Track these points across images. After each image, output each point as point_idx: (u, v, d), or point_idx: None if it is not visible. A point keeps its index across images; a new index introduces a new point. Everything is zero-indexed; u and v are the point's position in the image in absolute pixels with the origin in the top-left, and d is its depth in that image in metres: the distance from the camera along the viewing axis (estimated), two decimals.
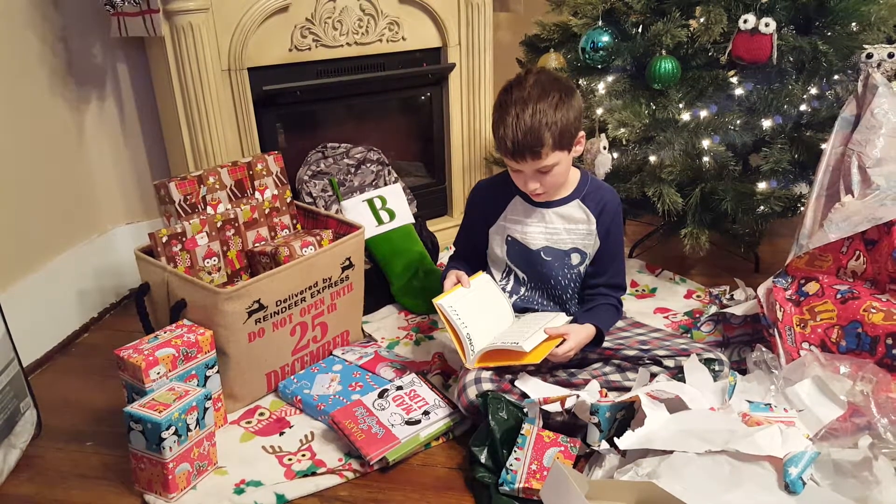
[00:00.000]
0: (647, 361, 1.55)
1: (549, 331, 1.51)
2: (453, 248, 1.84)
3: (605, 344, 1.58)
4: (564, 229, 1.62)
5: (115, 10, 1.79)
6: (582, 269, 1.65)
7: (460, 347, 1.52)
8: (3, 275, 1.66)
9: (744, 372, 1.55)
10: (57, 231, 1.95)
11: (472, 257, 1.74)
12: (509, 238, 1.66)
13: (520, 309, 1.69)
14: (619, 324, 1.70)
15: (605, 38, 1.98)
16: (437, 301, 1.56)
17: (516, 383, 1.49)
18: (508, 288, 1.71)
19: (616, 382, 1.55)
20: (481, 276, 1.67)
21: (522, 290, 1.70)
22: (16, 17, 1.78)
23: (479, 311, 1.56)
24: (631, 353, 1.56)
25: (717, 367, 1.49)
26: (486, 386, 1.44)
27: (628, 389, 1.51)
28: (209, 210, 1.67)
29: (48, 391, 1.64)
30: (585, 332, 1.53)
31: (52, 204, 1.92)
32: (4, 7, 1.75)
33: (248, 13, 1.87)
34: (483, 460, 1.34)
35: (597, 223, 1.61)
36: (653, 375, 1.51)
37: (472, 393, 1.43)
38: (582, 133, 1.53)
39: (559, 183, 1.56)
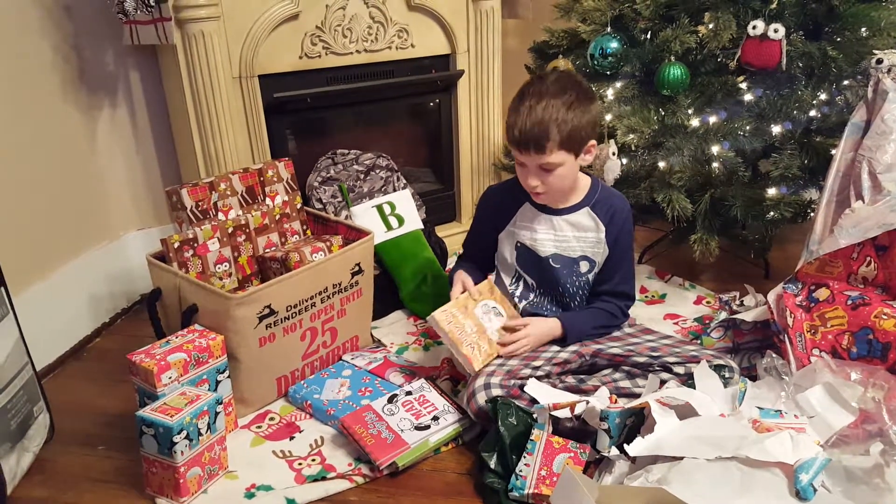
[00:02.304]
0: (657, 368, 1.54)
1: (508, 324, 1.59)
2: (462, 251, 1.85)
3: (615, 350, 1.58)
4: (574, 237, 1.63)
5: (128, 17, 1.81)
6: (591, 276, 1.66)
7: (465, 356, 1.53)
8: (16, 280, 1.67)
9: (754, 378, 1.55)
10: (69, 237, 1.96)
11: (480, 260, 1.75)
12: (518, 244, 1.66)
13: (529, 314, 1.69)
14: (629, 330, 1.70)
15: (614, 45, 1.98)
16: (432, 316, 1.57)
17: (526, 389, 1.49)
18: (518, 293, 1.71)
19: (626, 389, 1.55)
20: (486, 283, 1.66)
21: (531, 295, 1.71)
22: (29, 26, 1.81)
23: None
24: (641, 359, 1.56)
25: (727, 374, 1.48)
26: (496, 392, 1.44)
27: (638, 396, 1.51)
28: (220, 216, 1.68)
29: (60, 395, 1.65)
30: (547, 325, 1.59)
31: (65, 210, 1.94)
32: (18, 15, 1.77)
33: (258, 21, 1.89)
34: (493, 466, 1.34)
35: (606, 231, 1.61)
36: (663, 382, 1.51)
37: (481, 399, 1.44)
38: (593, 142, 1.53)
39: (562, 187, 1.56)
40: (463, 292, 1.63)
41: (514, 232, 1.67)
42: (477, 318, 1.58)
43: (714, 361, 1.50)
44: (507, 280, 1.72)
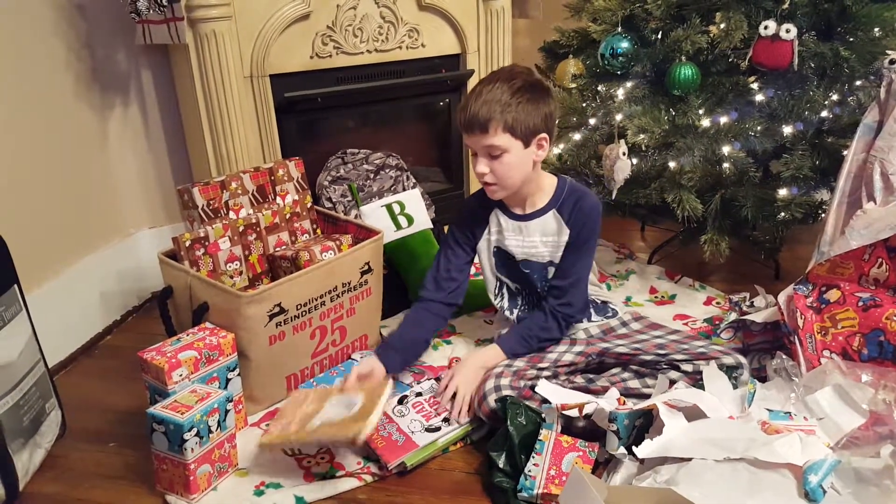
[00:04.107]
0: (665, 367, 1.54)
1: (440, 387, 1.55)
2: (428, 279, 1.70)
3: (621, 349, 1.57)
4: (541, 241, 1.62)
5: (140, 17, 1.82)
6: None
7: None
8: (29, 278, 1.68)
9: (764, 379, 1.54)
10: (81, 235, 1.98)
11: (447, 279, 1.67)
12: (495, 248, 1.67)
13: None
14: (635, 326, 1.70)
15: (625, 45, 1.98)
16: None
17: (537, 389, 1.48)
18: (506, 305, 1.71)
19: (635, 389, 1.54)
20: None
21: (519, 300, 1.70)
22: (43, 25, 1.82)
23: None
24: (648, 357, 1.55)
25: (736, 374, 1.48)
26: (506, 393, 1.45)
27: (648, 396, 1.51)
28: (231, 215, 1.69)
29: (72, 392, 1.67)
30: (477, 357, 1.58)
31: (77, 208, 1.95)
32: (32, 15, 1.78)
33: (270, 21, 1.89)
34: (501, 465, 1.34)
35: (568, 226, 1.59)
36: (672, 382, 1.50)
37: (492, 401, 1.44)
38: (544, 136, 1.51)
39: (511, 178, 1.52)
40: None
41: (489, 240, 1.67)
42: (322, 408, 1.43)
43: (723, 359, 1.49)
44: (492, 298, 1.72)
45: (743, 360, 1.51)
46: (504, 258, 1.66)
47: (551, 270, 1.63)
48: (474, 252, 1.69)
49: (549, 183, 1.62)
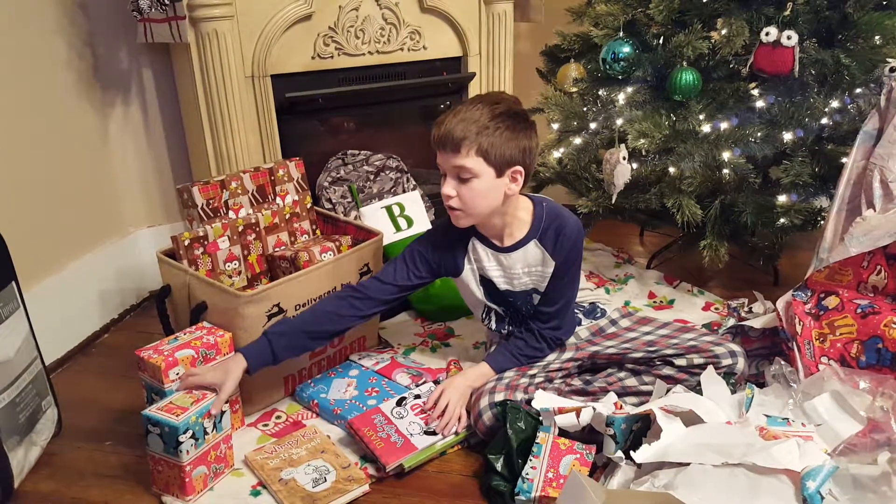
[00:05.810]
0: (658, 363, 1.54)
1: (429, 400, 1.51)
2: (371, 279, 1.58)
3: (611, 350, 1.58)
4: (524, 272, 1.55)
5: (142, 15, 1.82)
6: None
7: None
8: (27, 275, 1.68)
9: (762, 385, 1.54)
10: (80, 233, 1.98)
11: (376, 297, 1.54)
12: (483, 279, 1.60)
13: None
14: (625, 323, 1.69)
15: (626, 49, 1.98)
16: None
17: (533, 403, 1.45)
18: (493, 326, 1.67)
19: (633, 387, 1.54)
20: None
21: (506, 323, 1.66)
22: (44, 23, 1.82)
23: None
24: (639, 355, 1.54)
25: (731, 366, 1.49)
26: None
27: (645, 393, 1.51)
28: (231, 214, 1.69)
29: (69, 390, 1.66)
30: (467, 375, 1.55)
31: (76, 206, 1.95)
32: (33, 12, 1.78)
33: (272, 21, 1.89)
34: (499, 468, 1.34)
35: (553, 257, 1.52)
36: (669, 389, 1.50)
37: (487, 419, 1.44)
38: (519, 168, 1.42)
39: (478, 206, 1.43)
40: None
41: (472, 269, 1.59)
42: (306, 462, 1.40)
43: (714, 350, 1.50)
44: (480, 321, 1.69)
45: (736, 348, 1.51)
46: (491, 288, 1.60)
47: (536, 297, 1.58)
48: (433, 276, 1.60)
49: (525, 212, 1.53)
